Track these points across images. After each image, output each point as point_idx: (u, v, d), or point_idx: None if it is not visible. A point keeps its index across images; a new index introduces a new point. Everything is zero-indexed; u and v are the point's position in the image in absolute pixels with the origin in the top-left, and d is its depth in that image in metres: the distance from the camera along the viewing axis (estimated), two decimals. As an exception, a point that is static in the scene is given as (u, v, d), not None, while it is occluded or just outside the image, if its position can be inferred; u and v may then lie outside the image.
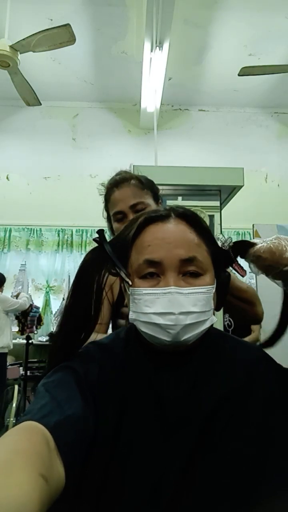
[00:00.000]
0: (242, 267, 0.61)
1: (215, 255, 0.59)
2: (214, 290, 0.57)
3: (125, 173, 1.12)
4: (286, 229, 2.41)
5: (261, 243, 0.58)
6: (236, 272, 0.61)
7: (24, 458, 0.37)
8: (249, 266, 0.61)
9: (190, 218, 0.59)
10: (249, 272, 0.62)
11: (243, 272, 0.61)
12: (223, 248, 0.60)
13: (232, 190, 2.50)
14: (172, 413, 0.54)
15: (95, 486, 0.50)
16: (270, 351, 0.64)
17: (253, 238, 0.62)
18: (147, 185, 1.09)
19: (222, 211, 2.54)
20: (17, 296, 3.58)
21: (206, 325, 0.56)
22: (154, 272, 0.55)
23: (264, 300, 0.94)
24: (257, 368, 0.59)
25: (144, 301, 0.54)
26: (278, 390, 0.56)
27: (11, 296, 3.59)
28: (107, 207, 1.12)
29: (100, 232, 0.59)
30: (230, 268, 0.61)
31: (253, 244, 0.59)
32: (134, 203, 1.04)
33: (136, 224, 0.58)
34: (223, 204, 2.59)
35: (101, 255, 0.58)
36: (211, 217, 2.41)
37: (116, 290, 0.91)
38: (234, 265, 0.61)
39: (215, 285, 0.58)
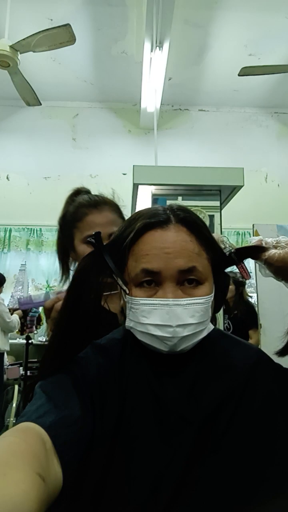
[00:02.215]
0: (247, 271, 0.61)
1: (216, 261, 0.58)
2: (212, 299, 0.56)
3: (103, 196, 1.01)
4: (286, 229, 2.40)
5: (272, 249, 0.57)
6: (240, 275, 0.61)
7: (20, 458, 0.37)
8: (259, 270, 0.61)
9: (190, 224, 0.56)
10: (250, 273, 0.62)
11: (247, 276, 0.60)
12: (226, 253, 0.59)
13: (232, 190, 2.49)
14: (172, 413, 0.53)
15: (95, 486, 0.50)
16: (269, 352, 0.64)
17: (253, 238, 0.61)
18: (120, 212, 1.00)
19: (222, 211, 2.53)
20: (11, 312, 3.43)
21: (203, 334, 0.56)
22: (152, 280, 0.54)
23: (263, 301, 0.94)
24: (256, 368, 0.59)
25: (141, 311, 0.54)
26: (277, 390, 0.56)
27: (10, 300, 3.51)
28: (72, 224, 0.97)
29: (97, 234, 0.57)
30: (235, 269, 0.61)
31: (265, 249, 0.58)
32: (112, 232, 0.91)
33: (133, 229, 0.56)
34: (223, 204, 2.59)
35: (98, 260, 0.57)
36: (211, 217, 2.40)
37: None
38: (239, 267, 0.60)
39: (213, 293, 0.57)
